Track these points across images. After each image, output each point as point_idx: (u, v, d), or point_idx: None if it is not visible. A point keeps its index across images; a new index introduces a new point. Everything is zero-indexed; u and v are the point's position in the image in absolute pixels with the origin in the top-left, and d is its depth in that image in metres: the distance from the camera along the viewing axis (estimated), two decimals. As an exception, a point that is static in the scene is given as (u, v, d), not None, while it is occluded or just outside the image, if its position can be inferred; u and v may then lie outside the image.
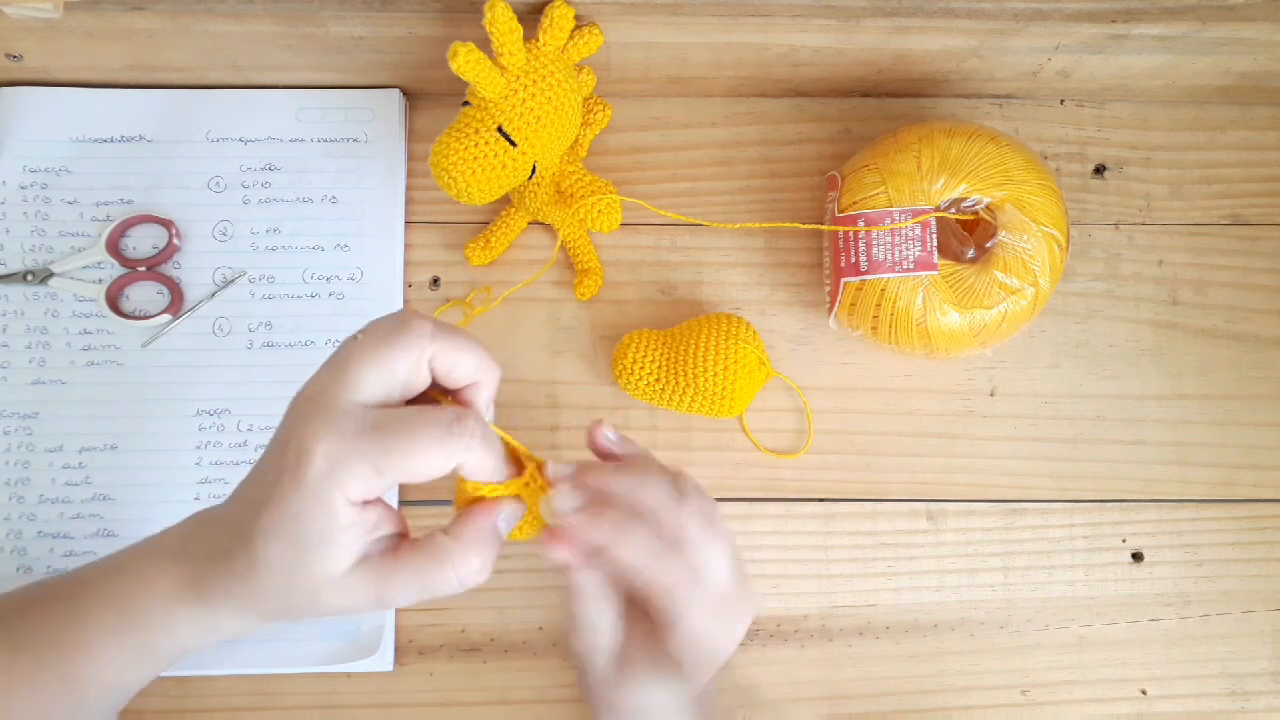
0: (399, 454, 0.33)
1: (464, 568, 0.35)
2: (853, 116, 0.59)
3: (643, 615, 0.38)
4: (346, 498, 0.32)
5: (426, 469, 0.33)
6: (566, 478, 0.37)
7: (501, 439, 0.36)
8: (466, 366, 0.36)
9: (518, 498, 0.37)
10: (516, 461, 0.38)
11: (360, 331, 0.35)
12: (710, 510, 0.38)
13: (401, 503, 0.54)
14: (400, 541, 0.35)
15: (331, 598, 0.34)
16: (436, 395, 0.37)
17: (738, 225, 0.57)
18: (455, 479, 0.36)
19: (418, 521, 0.53)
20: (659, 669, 0.39)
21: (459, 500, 0.37)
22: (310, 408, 0.34)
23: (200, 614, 0.36)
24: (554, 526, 0.37)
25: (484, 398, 0.37)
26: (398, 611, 0.53)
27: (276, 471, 0.33)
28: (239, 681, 0.52)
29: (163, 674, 0.38)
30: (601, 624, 0.39)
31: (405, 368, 0.34)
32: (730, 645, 0.39)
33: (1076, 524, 0.55)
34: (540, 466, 0.37)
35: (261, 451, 0.36)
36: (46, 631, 0.37)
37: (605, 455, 0.41)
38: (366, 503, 0.34)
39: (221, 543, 0.35)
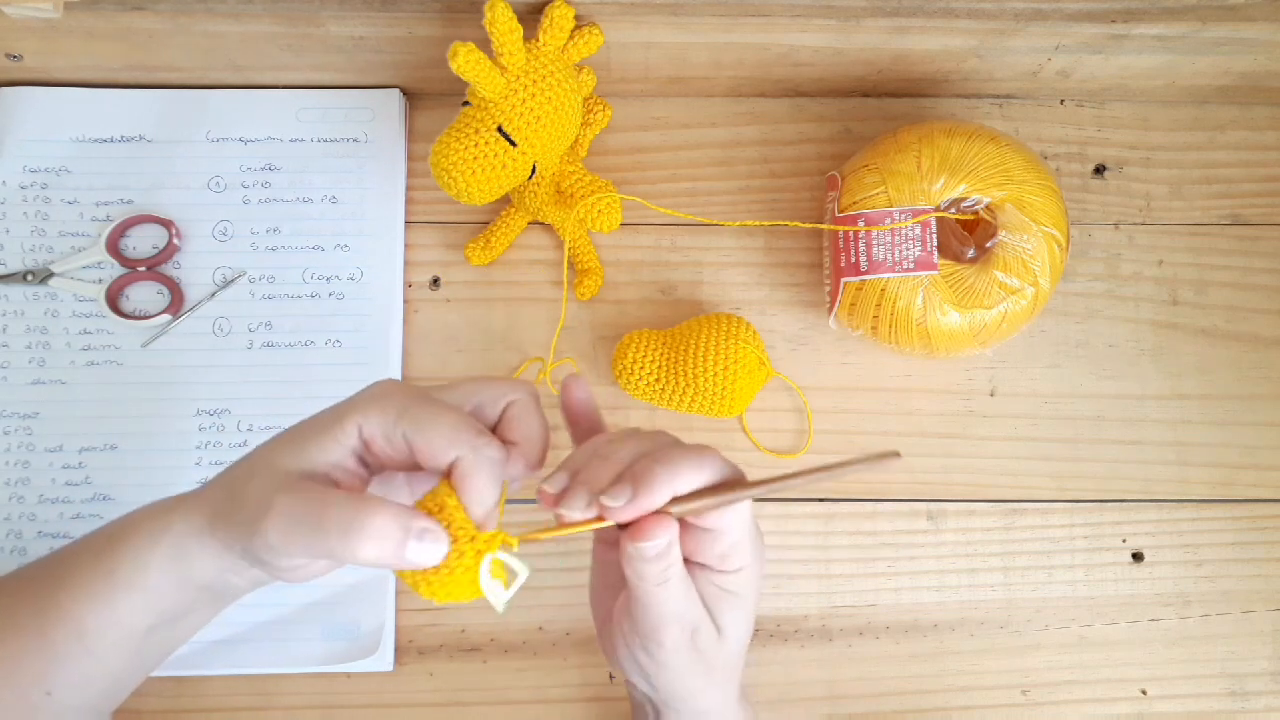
0: (424, 412, 0.34)
1: (379, 519, 0.32)
2: (853, 116, 0.59)
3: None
4: (359, 425, 0.34)
5: (436, 442, 0.34)
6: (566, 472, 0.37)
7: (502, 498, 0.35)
8: (529, 435, 0.37)
9: (456, 540, 0.33)
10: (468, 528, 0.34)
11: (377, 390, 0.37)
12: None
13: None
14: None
15: (281, 503, 0.33)
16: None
17: (737, 224, 0.57)
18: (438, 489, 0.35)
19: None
20: (632, 633, 0.38)
21: (421, 504, 0.34)
22: (382, 387, 0.36)
23: (189, 542, 0.36)
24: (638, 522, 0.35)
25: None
26: (398, 611, 0.53)
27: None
28: (239, 681, 0.52)
29: (162, 673, 0.38)
30: (603, 591, 0.40)
31: (490, 397, 0.37)
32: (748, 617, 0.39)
33: (1076, 524, 0.55)
34: (498, 539, 0.34)
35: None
36: (38, 579, 0.38)
37: (576, 414, 0.40)
38: (366, 450, 0.35)
39: (231, 470, 0.37)
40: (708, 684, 0.39)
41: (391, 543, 0.32)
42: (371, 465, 0.36)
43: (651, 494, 0.34)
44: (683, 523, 0.36)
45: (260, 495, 0.33)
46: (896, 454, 0.36)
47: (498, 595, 0.34)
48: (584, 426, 0.40)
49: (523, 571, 0.34)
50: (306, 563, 0.35)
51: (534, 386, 0.37)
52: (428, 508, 0.34)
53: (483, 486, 0.33)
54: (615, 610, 0.39)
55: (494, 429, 0.37)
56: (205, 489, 0.37)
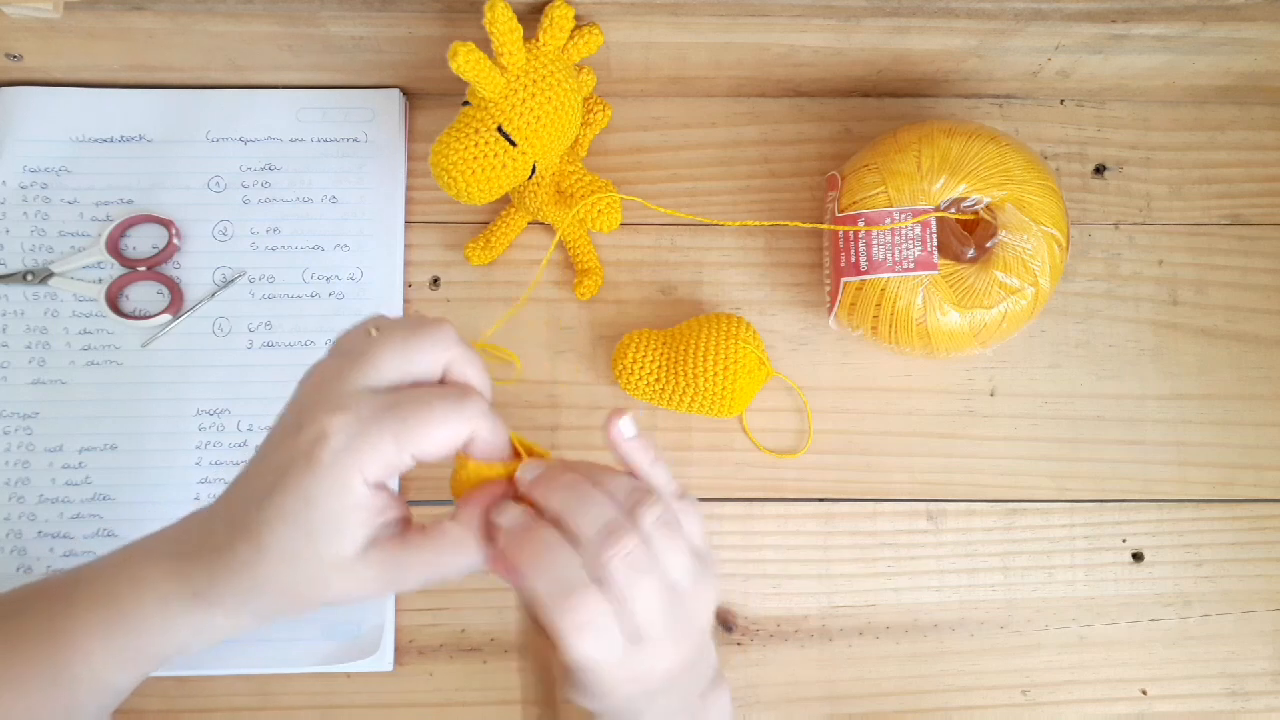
0: (418, 424, 0.33)
1: (473, 553, 0.35)
2: (853, 116, 0.59)
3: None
4: (364, 477, 0.33)
5: (445, 438, 0.34)
6: (527, 480, 0.36)
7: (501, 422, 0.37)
8: (474, 379, 0.36)
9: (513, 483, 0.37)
10: (513, 452, 0.38)
11: (372, 324, 0.36)
12: (666, 542, 0.35)
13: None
14: (406, 527, 0.36)
15: (342, 583, 0.34)
16: None
17: (737, 223, 0.57)
18: (452, 467, 0.37)
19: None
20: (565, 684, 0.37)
21: (456, 485, 0.37)
22: (322, 392, 0.34)
23: (194, 614, 0.35)
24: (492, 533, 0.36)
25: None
26: (398, 611, 0.53)
27: (286, 457, 0.33)
28: (239, 681, 0.52)
29: (162, 673, 0.38)
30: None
31: (426, 363, 0.35)
32: (630, 683, 0.35)
33: (1076, 524, 0.55)
34: (531, 451, 0.38)
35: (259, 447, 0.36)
36: (39, 631, 0.37)
37: (615, 450, 0.39)
38: (380, 484, 0.34)
39: (218, 538, 0.35)
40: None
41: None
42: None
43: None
44: None
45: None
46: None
47: None
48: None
49: None
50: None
51: (450, 330, 0.36)
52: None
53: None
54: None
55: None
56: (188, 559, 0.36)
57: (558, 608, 0.33)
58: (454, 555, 0.35)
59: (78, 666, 0.36)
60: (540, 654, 0.38)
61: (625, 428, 0.38)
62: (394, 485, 0.53)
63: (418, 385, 0.36)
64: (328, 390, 0.34)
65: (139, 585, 0.36)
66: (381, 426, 0.33)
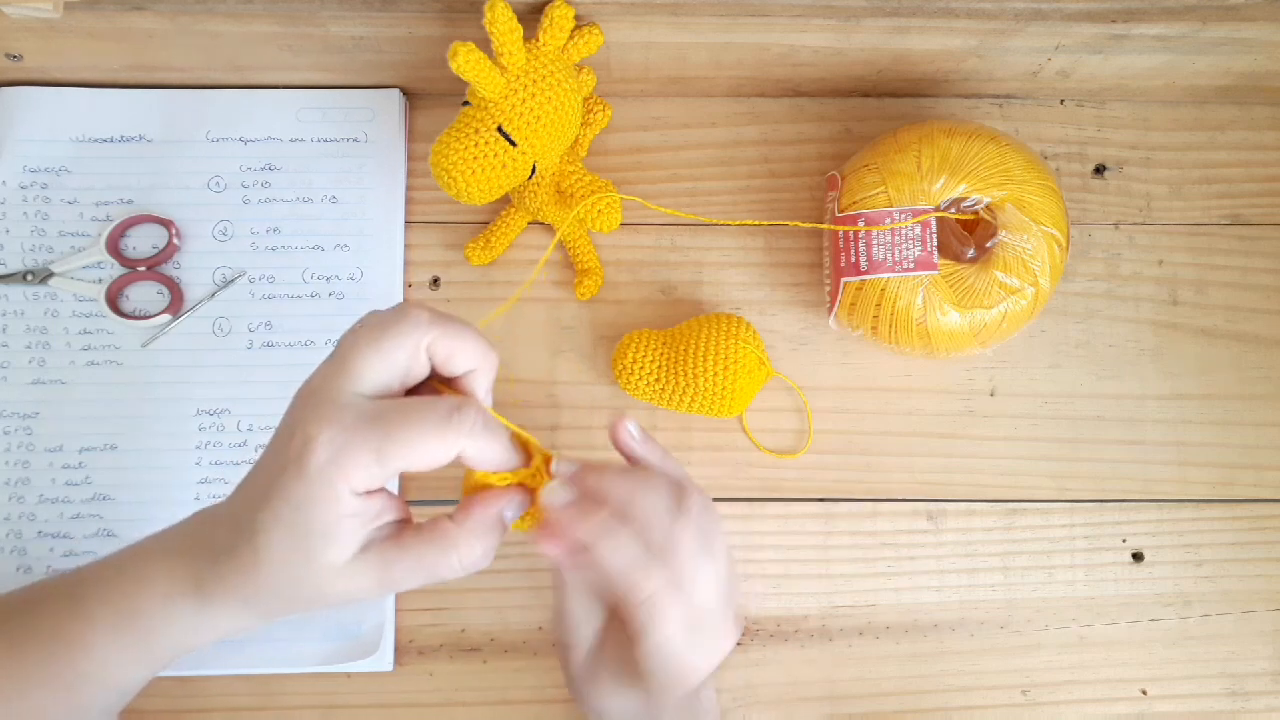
0: (400, 442, 0.33)
1: (468, 553, 0.35)
2: (853, 116, 0.59)
3: (623, 621, 0.38)
4: (350, 486, 0.33)
5: (427, 457, 0.34)
6: (567, 474, 0.37)
7: (508, 429, 0.37)
8: (465, 354, 0.36)
9: (524, 487, 0.37)
10: (526, 452, 0.38)
11: (359, 322, 0.36)
12: (710, 528, 0.37)
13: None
14: (403, 527, 0.36)
15: (337, 586, 0.34)
16: (439, 386, 0.37)
17: (737, 223, 0.57)
18: (464, 469, 0.37)
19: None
20: (625, 677, 0.38)
21: (466, 488, 0.38)
22: (312, 400, 0.34)
23: (200, 612, 0.36)
24: (547, 520, 0.37)
25: (483, 385, 0.37)
26: (398, 611, 0.53)
27: (279, 464, 0.33)
28: (239, 681, 0.52)
29: (162, 673, 0.38)
30: (580, 620, 0.39)
31: (404, 356, 0.35)
32: (703, 667, 0.37)
33: (1076, 524, 0.55)
34: (547, 459, 0.38)
35: (262, 450, 0.36)
36: (47, 631, 0.37)
37: (626, 454, 0.41)
38: (369, 491, 0.34)
39: (222, 539, 0.35)
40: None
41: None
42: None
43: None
44: None
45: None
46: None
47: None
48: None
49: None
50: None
51: (418, 314, 0.35)
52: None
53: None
54: (606, 647, 0.39)
55: (432, 375, 0.37)
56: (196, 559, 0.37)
57: (642, 583, 0.35)
58: (450, 556, 0.35)
59: (84, 664, 0.36)
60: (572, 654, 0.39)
61: (632, 429, 0.39)
62: (393, 486, 0.53)
63: (415, 392, 0.36)
64: (314, 397, 0.34)
65: (148, 585, 0.36)
66: (364, 440, 0.33)
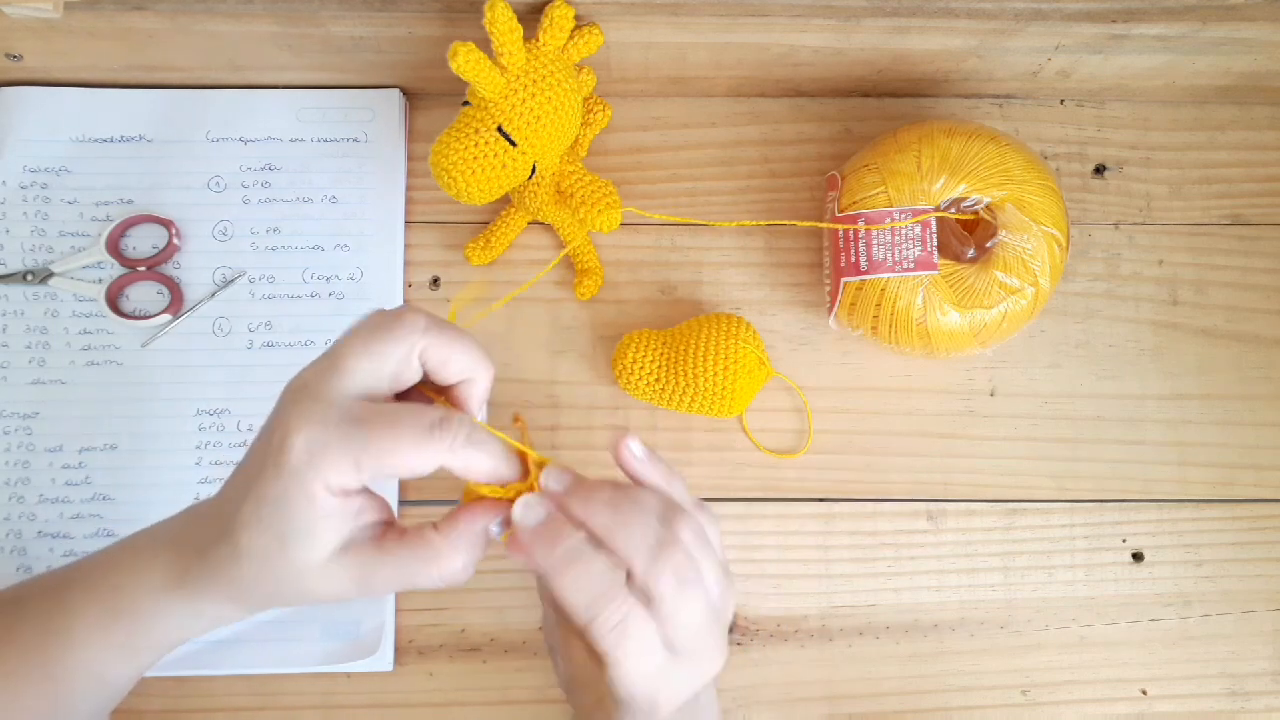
0: (378, 450, 0.32)
1: (447, 566, 0.35)
2: (853, 116, 0.59)
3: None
4: (327, 487, 0.32)
5: (405, 467, 0.33)
6: (557, 489, 0.36)
7: (501, 441, 0.36)
8: (459, 362, 0.35)
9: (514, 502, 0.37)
10: (524, 464, 0.37)
11: (356, 321, 0.35)
12: (700, 554, 0.36)
13: (401, 502, 0.54)
14: (387, 530, 0.35)
15: (315, 584, 0.34)
16: (430, 393, 0.37)
17: (737, 224, 0.57)
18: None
19: (417, 521, 0.53)
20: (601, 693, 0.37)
21: (465, 496, 0.37)
22: (297, 397, 0.34)
23: (187, 604, 0.36)
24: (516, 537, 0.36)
25: (477, 396, 0.37)
26: (398, 611, 0.53)
27: (260, 460, 0.33)
28: (239, 681, 0.52)
29: (162, 673, 0.38)
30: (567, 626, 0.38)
31: (395, 360, 0.34)
32: (682, 692, 0.36)
33: (1076, 524, 0.55)
34: (541, 465, 0.37)
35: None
36: (33, 625, 0.37)
37: (629, 473, 0.39)
38: (349, 491, 0.33)
39: (209, 533, 0.35)
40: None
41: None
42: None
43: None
44: None
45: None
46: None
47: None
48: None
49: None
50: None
51: (415, 318, 0.35)
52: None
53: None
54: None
55: (423, 381, 0.36)
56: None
57: (602, 622, 0.34)
58: (431, 567, 0.34)
59: (71, 658, 0.36)
60: (572, 660, 0.38)
61: (635, 449, 0.38)
62: (393, 486, 0.53)
63: (405, 397, 0.36)
64: (300, 394, 0.34)
65: (136, 576, 0.36)
66: (344, 443, 0.32)
